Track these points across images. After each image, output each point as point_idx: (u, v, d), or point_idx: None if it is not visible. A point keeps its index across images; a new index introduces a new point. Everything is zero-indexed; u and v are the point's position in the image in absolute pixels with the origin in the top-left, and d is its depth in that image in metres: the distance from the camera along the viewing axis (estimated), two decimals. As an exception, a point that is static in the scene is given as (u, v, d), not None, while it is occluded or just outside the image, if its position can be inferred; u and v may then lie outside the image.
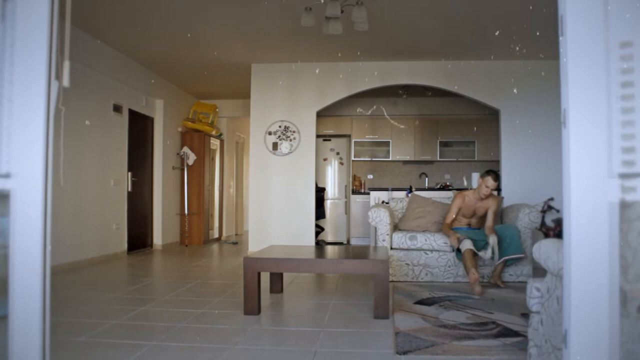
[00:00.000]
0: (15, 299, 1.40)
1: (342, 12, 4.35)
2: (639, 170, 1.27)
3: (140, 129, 7.39)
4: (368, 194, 8.24)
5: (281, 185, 6.99)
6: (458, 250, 4.56)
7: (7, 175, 1.42)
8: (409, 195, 5.72)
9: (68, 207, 5.51)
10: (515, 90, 6.69)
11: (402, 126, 8.97)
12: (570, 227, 1.31)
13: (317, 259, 3.72)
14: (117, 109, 6.69)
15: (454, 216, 4.72)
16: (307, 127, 7.02)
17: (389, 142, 9.07)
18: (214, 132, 9.00)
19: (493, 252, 4.45)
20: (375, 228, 4.95)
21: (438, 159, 9.04)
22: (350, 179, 9.09)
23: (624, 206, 1.26)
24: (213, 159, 9.25)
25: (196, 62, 6.93)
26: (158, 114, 7.86)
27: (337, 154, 9.06)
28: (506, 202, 5.71)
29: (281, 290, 4.32)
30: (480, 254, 4.46)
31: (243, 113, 9.11)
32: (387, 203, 6.15)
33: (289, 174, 6.99)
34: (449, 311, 3.53)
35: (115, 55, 6.45)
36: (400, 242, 4.85)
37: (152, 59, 6.78)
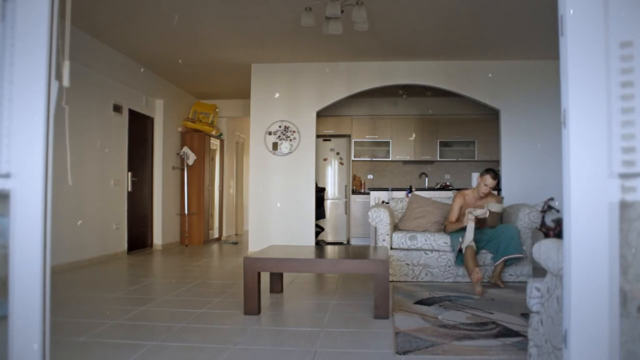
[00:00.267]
0: (15, 299, 1.40)
1: (342, 12, 4.35)
2: (639, 170, 1.27)
3: (140, 129, 7.39)
4: (368, 194, 8.24)
5: (281, 186, 6.99)
6: (460, 252, 4.57)
7: (7, 175, 1.42)
8: (409, 195, 5.72)
9: (68, 207, 5.51)
10: (515, 90, 6.70)
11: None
12: (570, 227, 1.31)
13: (317, 259, 3.72)
14: (117, 109, 6.69)
15: (457, 215, 4.72)
16: (307, 127, 7.02)
17: (389, 142, 9.07)
18: (214, 132, 9.00)
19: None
20: (375, 228, 4.95)
21: (438, 159, 9.04)
22: (350, 179, 9.09)
23: (624, 206, 1.26)
24: (213, 159, 9.25)
25: (196, 62, 6.93)
26: (158, 114, 7.86)
27: (337, 154, 9.06)
28: (506, 202, 5.71)
29: (281, 290, 4.32)
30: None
31: (243, 113, 9.11)
32: (387, 203, 6.15)
33: (289, 174, 6.99)
34: (449, 311, 3.53)
35: (115, 55, 6.45)
36: (400, 242, 4.85)
37: (152, 59, 6.78)
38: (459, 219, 4.72)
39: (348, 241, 8.89)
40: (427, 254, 4.82)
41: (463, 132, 8.90)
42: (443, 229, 5.02)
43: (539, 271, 4.01)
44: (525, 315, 3.22)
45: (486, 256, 4.69)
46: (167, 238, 7.99)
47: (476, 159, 8.86)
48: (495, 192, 6.14)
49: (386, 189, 7.50)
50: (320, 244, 7.94)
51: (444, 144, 9.02)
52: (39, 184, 1.42)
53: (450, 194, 6.59)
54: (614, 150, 1.28)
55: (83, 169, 5.91)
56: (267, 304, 3.86)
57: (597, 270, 1.27)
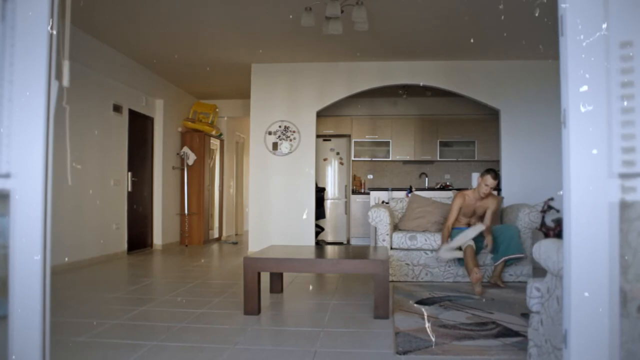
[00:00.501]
0: (15, 299, 1.40)
1: (342, 12, 4.35)
2: (639, 170, 1.27)
3: (140, 129, 7.38)
4: (368, 194, 8.24)
5: (281, 186, 6.99)
6: (460, 249, 4.57)
7: (7, 175, 1.42)
8: (409, 195, 5.72)
9: (68, 207, 5.51)
10: (515, 90, 6.69)
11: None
12: (570, 227, 1.31)
13: (317, 259, 3.72)
14: (117, 109, 6.69)
15: (455, 215, 4.71)
16: (307, 127, 7.01)
17: (389, 142, 9.07)
18: (214, 132, 9.00)
19: (492, 251, 4.47)
20: (375, 228, 4.95)
21: (438, 159, 9.04)
22: (350, 179, 9.09)
23: (624, 206, 1.26)
24: (213, 159, 9.25)
25: (196, 62, 6.93)
26: (158, 114, 7.86)
27: (337, 154, 9.06)
28: (506, 202, 5.71)
29: (281, 290, 4.31)
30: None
31: (243, 113, 9.11)
32: (387, 203, 6.15)
33: (289, 174, 6.99)
34: (449, 311, 3.53)
35: (115, 55, 6.45)
36: (400, 242, 4.85)
37: (152, 59, 6.78)
38: (456, 220, 4.72)
39: (348, 241, 8.89)
40: (427, 254, 4.82)
41: (463, 132, 8.89)
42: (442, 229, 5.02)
43: (539, 271, 4.01)
44: (525, 315, 3.22)
45: (486, 256, 4.69)
46: (167, 238, 7.99)
47: (476, 159, 8.86)
48: (495, 193, 6.13)
49: (386, 189, 7.50)
50: (320, 244, 7.94)
51: (444, 144, 9.02)
52: (39, 184, 1.42)
53: (450, 194, 6.59)
54: (614, 150, 1.28)
55: (83, 169, 5.91)
56: (267, 304, 3.86)
57: (597, 270, 1.27)
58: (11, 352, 1.38)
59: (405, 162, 9.21)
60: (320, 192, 7.85)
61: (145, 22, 5.40)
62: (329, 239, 8.84)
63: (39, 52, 1.42)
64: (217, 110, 9.08)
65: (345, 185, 9.01)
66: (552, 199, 6.53)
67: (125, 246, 6.90)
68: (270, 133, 7.02)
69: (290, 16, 4.91)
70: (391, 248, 4.88)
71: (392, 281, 4.74)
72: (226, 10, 5.04)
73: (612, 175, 1.28)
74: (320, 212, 7.76)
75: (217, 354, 2.62)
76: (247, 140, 10.67)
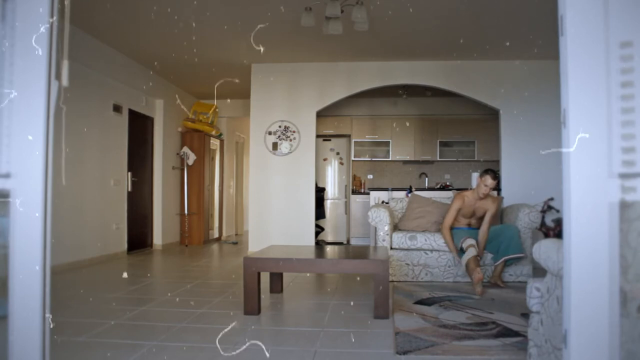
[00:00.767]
0: (15, 299, 1.40)
1: (342, 12, 4.35)
2: (639, 170, 1.27)
3: (140, 129, 7.38)
4: (368, 194, 8.24)
5: (281, 185, 6.99)
6: (461, 250, 4.57)
7: (7, 175, 1.42)
8: (409, 195, 5.71)
9: (68, 207, 5.51)
10: (515, 90, 6.69)
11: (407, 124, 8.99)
12: (570, 227, 1.31)
13: (317, 259, 3.72)
14: (117, 109, 6.69)
15: (453, 216, 4.71)
16: (307, 127, 7.02)
17: (389, 142, 9.07)
18: (214, 132, 9.00)
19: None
20: (375, 228, 4.95)
21: (438, 159, 9.04)
22: (350, 179, 9.09)
23: (624, 206, 1.26)
24: (213, 159, 9.25)
25: (196, 62, 6.92)
26: (158, 114, 7.86)
27: (337, 154, 9.06)
28: (506, 202, 5.71)
29: (281, 290, 4.31)
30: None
31: (243, 113, 9.11)
32: (387, 203, 6.15)
33: (289, 174, 6.99)
34: (449, 311, 3.53)
35: (115, 55, 6.45)
36: (400, 242, 4.85)
37: (152, 59, 6.78)
38: (455, 220, 4.72)
39: (348, 241, 8.89)
40: (427, 254, 4.82)
41: (463, 132, 8.90)
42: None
43: (539, 271, 4.01)
44: (525, 315, 3.22)
45: (486, 256, 4.69)
46: (167, 238, 7.99)
47: (476, 159, 8.86)
48: (495, 193, 6.13)
49: (386, 189, 7.50)
50: (320, 244, 7.94)
51: (444, 144, 9.02)
52: (39, 184, 1.42)
53: (450, 194, 6.59)
54: (614, 150, 1.28)
55: (83, 169, 5.91)
56: (267, 304, 3.86)
57: (597, 270, 1.27)
58: (11, 352, 1.38)
59: (405, 162, 9.21)
60: (320, 192, 7.85)
61: (145, 22, 5.40)
62: (329, 239, 8.84)
63: (39, 52, 1.42)
64: (217, 110, 9.08)
65: (345, 185, 9.01)
66: (552, 199, 6.53)
67: (125, 246, 6.90)
68: (270, 133, 7.02)
69: (283, 10, 4.91)
70: (391, 248, 4.88)
71: (392, 281, 4.74)
72: (226, 10, 5.04)
73: (612, 175, 1.28)
74: (320, 212, 7.76)
75: (217, 354, 2.62)
76: (247, 140, 10.67)
